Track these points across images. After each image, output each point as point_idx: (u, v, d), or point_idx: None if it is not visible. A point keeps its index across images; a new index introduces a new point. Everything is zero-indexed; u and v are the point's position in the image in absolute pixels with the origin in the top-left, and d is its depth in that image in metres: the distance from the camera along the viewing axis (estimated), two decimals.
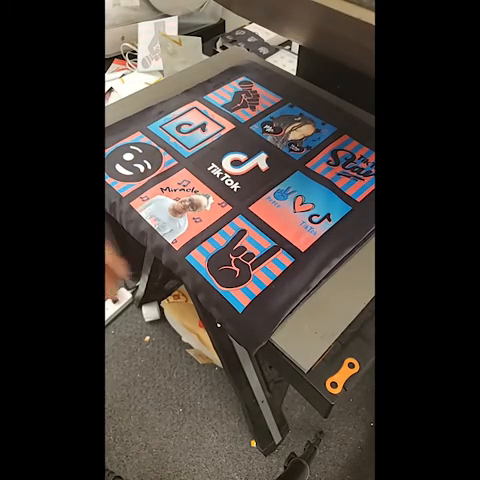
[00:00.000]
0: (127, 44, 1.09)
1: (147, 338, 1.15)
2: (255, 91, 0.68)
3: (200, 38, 1.02)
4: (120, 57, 1.10)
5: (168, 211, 0.50)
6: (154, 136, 0.61)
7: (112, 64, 1.10)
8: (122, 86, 1.03)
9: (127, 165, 0.56)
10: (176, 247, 0.47)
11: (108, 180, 0.54)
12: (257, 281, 0.44)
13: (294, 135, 0.61)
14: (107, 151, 0.58)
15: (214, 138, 0.60)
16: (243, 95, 0.67)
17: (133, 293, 1.20)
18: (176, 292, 1.14)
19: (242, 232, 0.48)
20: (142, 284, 1.14)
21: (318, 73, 0.73)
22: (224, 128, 0.62)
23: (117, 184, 0.54)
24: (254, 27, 1.24)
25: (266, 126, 0.62)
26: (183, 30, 1.14)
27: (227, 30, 1.32)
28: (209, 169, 0.56)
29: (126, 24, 1.10)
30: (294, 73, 0.80)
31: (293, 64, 1.03)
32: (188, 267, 0.45)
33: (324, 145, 0.59)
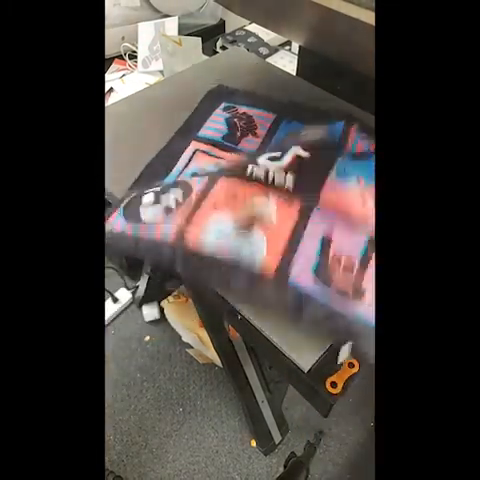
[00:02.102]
0: (127, 44, 1.09)
1: (147, 338, 1.16)
2: (244, 113, 0.63)
3: (200, 38, 1.02)
4: (120, 57, 1.10)
5: (233, 230, 0.42)
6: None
7: (112, 64, 1.10)
8: (122, 86, 1.03)
9: (152, 207, 0.45)
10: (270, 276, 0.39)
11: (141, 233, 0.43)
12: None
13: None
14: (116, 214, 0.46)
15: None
16: (236, 120, 0.61)
17: (133, 293, 1.20)
18: (176, 292, 1.14)
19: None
20: (142, 284, 1.14)
21: (318, 73, 0.73)
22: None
23: (154, 231, 0.43)
24: (254, 27, 1.24)
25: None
26: (183, 30, 1.14)
27: (227, 30, 1.32)
28: (249, 172, 0.46)
29: (126, 24, 1.10)
30: (294, 73, 0.80)
31: (293, 64, 1.03)
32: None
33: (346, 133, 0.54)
